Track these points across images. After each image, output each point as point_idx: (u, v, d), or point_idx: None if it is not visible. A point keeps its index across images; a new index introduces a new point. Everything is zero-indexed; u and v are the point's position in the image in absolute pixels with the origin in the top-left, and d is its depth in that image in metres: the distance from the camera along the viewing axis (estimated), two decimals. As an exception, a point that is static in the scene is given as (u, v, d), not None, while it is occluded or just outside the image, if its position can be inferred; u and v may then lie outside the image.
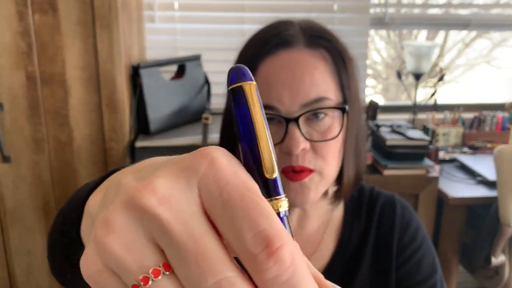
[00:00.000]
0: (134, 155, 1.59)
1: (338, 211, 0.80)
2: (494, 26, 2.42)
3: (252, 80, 0.24)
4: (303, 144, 0.65)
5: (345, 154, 0.71)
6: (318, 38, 0.69)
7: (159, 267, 0.22)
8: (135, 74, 1.64)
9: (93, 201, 0.39)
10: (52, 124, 1.49)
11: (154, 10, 2.01)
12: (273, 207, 0.22)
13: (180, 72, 1.87)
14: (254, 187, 0.22)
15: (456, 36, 3.57)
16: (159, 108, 1.70)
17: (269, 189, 0.23)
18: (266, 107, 0.66)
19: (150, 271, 0.22)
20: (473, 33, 3.51)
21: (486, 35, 3.60)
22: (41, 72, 1.44)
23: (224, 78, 2.03)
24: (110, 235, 0.22)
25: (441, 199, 1.85)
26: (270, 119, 0.67)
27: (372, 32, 3.05)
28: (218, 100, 2.02)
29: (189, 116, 1.82)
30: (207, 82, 1.93)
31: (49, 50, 1.43)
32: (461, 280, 2.25)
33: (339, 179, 0.74)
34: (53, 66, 1.44)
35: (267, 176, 0.23)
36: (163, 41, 2.04)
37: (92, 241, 0.24)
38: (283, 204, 0.23)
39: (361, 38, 2.12)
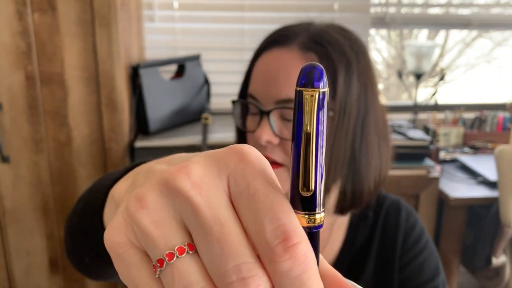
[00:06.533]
0: (134, 155, 1.59)
1: None
2: (494, 25, 2.42)
3: (319, 87, 0.22)
4: (268, 137, 0.68)
5: (331, 163, 0.68)
6: (313, 43, 0.69)
7: (184, 246, 0.23)
8: (134, 74, 1.64)
9: (119, 188, 0.43)
10: (51, 124, 1.48)
11: (154, 9, 2.00)
12: (301, 220, 0.23)
13: (180, 72, 1.86)
14: (279, 186, 0.23)
15: (456, 35, 3.56)
16: (158, 108, 1.69)
17: (301, 203, 0.23)
18: (250, 96, 0.72)
19: (176, 248, 0.23)
20: (474, 33, 3.51)
21: (487, 35, 3.59)
22: (40, 72, 1.44)
23: (223, 78, 2.03)
24: (142, 210, 0.24)
25: (442, 200, 1.84)
26: (250, 108, 0.73)
27: (372, 31, 3.04)
28: (218, 100, 2.02)
29: (189, 116, 1.82)
30: (206, 82, 1.92)
31: (49, 50, 1.42)
32: (462, 281, 2.25)
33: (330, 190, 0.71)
34: (52, 66, 1.44)
35: (300, 192, 0.23)
36: (162, 41, 2.03)
37: (121, 214, 0.26)
38: (314, 219, 0.23)
39: (362, 37, 2.11)
